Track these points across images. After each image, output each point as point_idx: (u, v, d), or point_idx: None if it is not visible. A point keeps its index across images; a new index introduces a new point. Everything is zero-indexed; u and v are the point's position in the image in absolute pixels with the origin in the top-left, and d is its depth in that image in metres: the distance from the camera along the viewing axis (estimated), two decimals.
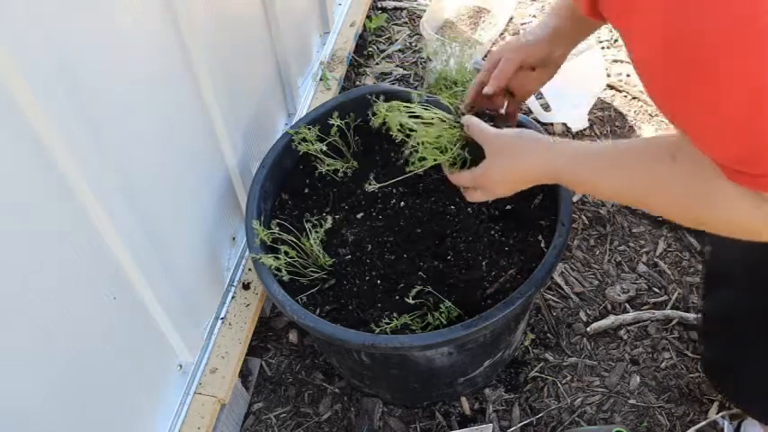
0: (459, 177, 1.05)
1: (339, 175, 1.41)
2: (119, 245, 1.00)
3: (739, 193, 0.66)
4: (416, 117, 1.08)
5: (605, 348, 1.51)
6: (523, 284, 1.11)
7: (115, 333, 1.06)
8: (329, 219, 1.29)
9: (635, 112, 1.97)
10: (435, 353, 1.20)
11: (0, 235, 0.79)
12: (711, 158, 0.66)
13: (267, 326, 1.59)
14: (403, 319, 1.16)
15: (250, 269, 1.46)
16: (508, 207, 1.32)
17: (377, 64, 2.20)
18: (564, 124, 1.92)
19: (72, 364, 0.96)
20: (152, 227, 1.10)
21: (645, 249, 1.66)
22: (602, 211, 1.73)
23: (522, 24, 2.27)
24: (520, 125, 1.31)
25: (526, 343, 1.51)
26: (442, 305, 1.17)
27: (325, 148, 1.40)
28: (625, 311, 1.55)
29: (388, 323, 1.15)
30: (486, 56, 2.16)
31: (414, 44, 2.26)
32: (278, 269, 1.20)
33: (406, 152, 1.08)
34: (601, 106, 1.98)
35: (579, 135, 1.91)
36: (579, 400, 1.43)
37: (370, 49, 2.25)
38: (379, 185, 1.27)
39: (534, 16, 2.30)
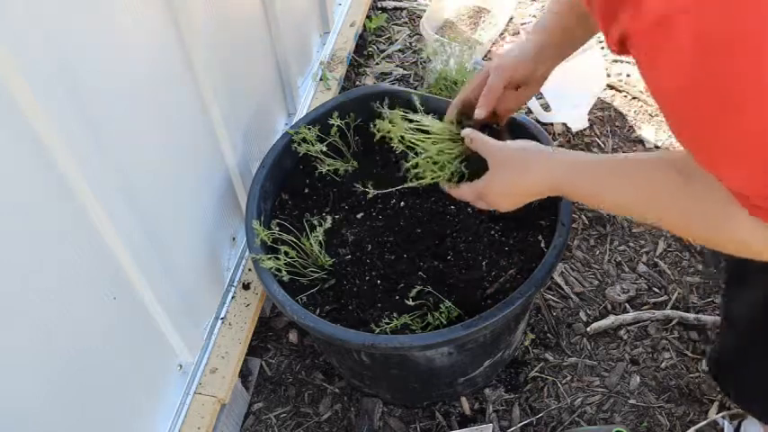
0: (461, 192, 1.05)
1: (339, 175, 1.41)
2: (119, 245, 1.00)
3: (753, 223, 0.66)
4: (418, 129, 1.09)
5: (605, 348, 1.51)
6: (523, 284, 1.11)
7: (115, 333, 1.06)
8: (329, 219, 1.29)
9: (635, 112, 1.97)
10: (435, 353, 1.20)
11: (0, 235, 0.79)
12: (729, 190, 0.66)
13: (267, 326, 1.59)
14: (403, 319, 1.16)
15: (250, 269, 1.46)
16: None
17: (377, 64, 2.20)
18: (564, 124, 1.92)
19: (72, 364, 0.96)
20: (152, 227, 1.10)
21: (645, 249, 1.66)
22: (602, 211, 1.73)
23: (522, 24, 2.27)
24: (520, 125, 1.32)
25: (526, 343, 1.51)
26: (442, 305, 1.17)
27: (325, 148, 1.40)
28: (625, 311, 1.55)
29: (388, 323, 1.15)
30: (486, 56, 2.16)
31: (414, 44, 2.26)
32: (278, 269, 1.20)
33: (406, 165, 1.10)
34: (601, 106, 1.98)
35: (579, 135, 1.91)
36: (579, 400, 1.43)
37: (370, 49, 2.25)
38: (376, 192, 1.27)
39: (534, 16, 2.30)
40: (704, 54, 0.54)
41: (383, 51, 2.24)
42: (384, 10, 2.39)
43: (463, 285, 1.22)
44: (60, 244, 0.90)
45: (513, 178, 0.96)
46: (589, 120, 1.93)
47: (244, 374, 1.47)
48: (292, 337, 1.57)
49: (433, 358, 1.22)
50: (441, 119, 1.15)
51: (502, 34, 2.24)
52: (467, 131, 1.04)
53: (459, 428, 1.39)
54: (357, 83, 2.13)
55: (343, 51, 2.02)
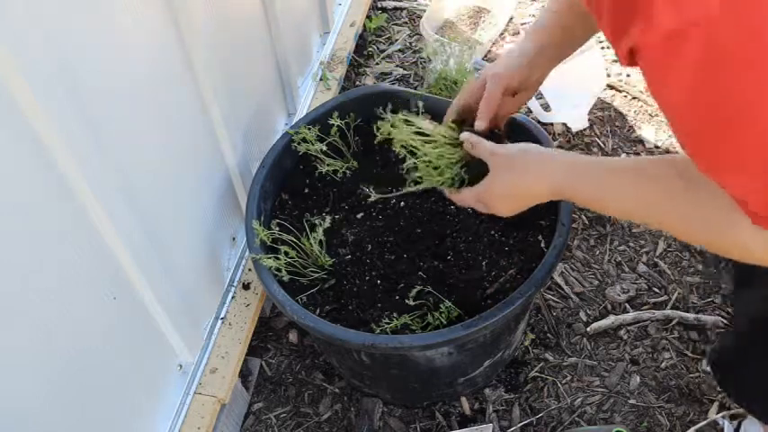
0: (461, 197, 1.05)
1: (339, 175, 1.41)
2: (119, 245, 1.00)
3: (755, 229, 0.66)
4: (420, 134, 1.09)
5: (605, 348, 1.51)
6: (523, 284, 1.11)
7: (115, 333, 1.06)
8: (329, 219, 1.29)
9: (635, 112, 1.97)
10: (435, 353, 1.20)
11: (0, 235, 0.79)
12: (732, 196, 0.66)
13: (267, 326, 1.59)
14: (403, 319, 1.16)
15: (250, 269, 1.46)
16: None
17: (377, 64, 2.20)
18: (564, 124, 1.92)
19: (72, 364, 0.96)
20: (152, 227, 1.10)
21: (645, 249, 1.66)
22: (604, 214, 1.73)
23: (522, 24, 2.27)
24: (520, 125, 1.32)
25: (526, 343, 1.51)
26: (442, 305, 1.17)
27: (324, 148, 1.40)
28: (625, 311, 1.55)
29: (388, 323, 1.15)
30: (486, 56, 2.16)
31: (414, 44, 2.26)
32: (278, 269, 1.20)
33: (406, 167, 1.10)
34: (601, 106, 1.98)
35: (579, 135, 1.91)
36: (579, 400, 1.43)
37: (370, 49, 2.25)
38: (378, 196, 1.28)
39: (533, 16, 2.30)
40: (713, 67, 0.55)
41: (383, 51, 2.24)
42: (384, 10, 2.39)
43: (463, 285, 1.22)
44: (60, 244, 0.90)
45: (513, 180, 0.96)
46: (589, 120, 1.93)
47: (244, 374, 1.47)
48: (292, 337, 1.57)
49: (433, 358, 1.22)
50: (440, 122, 1.15)
51: (502, 34, 2.24)
52: (466, 135, 1.04)
53: (459, 428, 1.39)
54: (357, 83, 2.13)
55: (343, 51, 2.02)
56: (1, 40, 0.73)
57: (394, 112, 1.13)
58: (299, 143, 1.39)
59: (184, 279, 1.25)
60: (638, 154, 1.86)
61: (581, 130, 1.92)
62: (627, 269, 1.63)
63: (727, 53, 0.53)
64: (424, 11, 2.22)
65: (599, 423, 1.39)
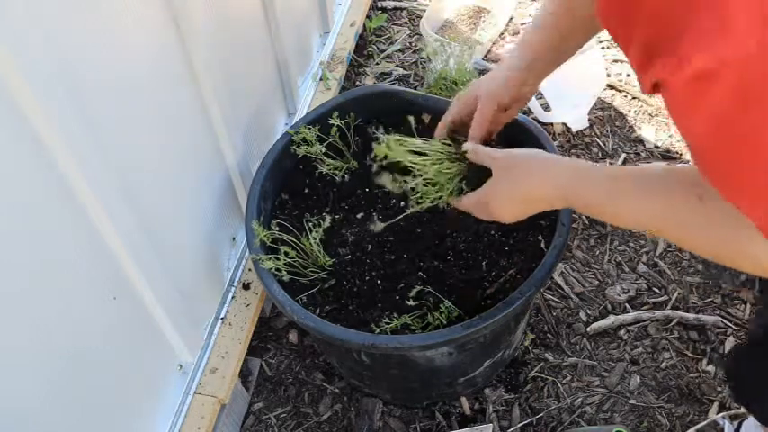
0: (463, 203, 1.05)
1: (339, 175, 1.41)
2: (119, 245, 1.00)
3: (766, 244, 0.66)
4: (417, 153, 1.10)
5: (605, 348, 1.51)
6: (523, 284, 1.11)
7: (115, 333, 1.06)
8: (329, 219, 1.29)
9: (635, 112, 1.97)
10: (435, 353, 1.20)
11: (0, 235, 0.79)
12: (747, 217, 0.65)
13: (267, 326, 1.59)
14: (403, 319, 1.16)
15: (250, 269, 1.46)
16: None
17: (377, 64, 2.20)
18: (564, 124, 1.92)
19: (72, 364, 0.96)
20: (152, 227, 1.10)
21: (645, 249, 1.66)
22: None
23: (521, 24, 2.27)
24: (520, 125, 1.32)
25: (526, 343, 1.51)
26: (441, 305, 1.17)
27: (324, 148, 1.40)
28: (625, 311, 1.55)
29: (388, 323, 1.15)
30: (486, 56, 2.16)
31: (414, 44, 2.26)
32: (278, 269, 1.20)
33: (407, 188, 1.12)
34: (601, 106, 1.98)
35: (579, 135, 1.91)
36: (579, 400, 1.43)
37: (370, 49, 2.25)
38: (384, 224, 1.29)
39: (532, 16, 2.30)
40: (744, 104, 0.54)
41: (383, 51, 2.24)
42: (384, 10, 2.39)
43: (463, 285, 1.22)
44: (60, 244, 0.90)
45: (515, 182, 0.95)
46: (589, 120, 1.93)
47: (244, 374, 1.47)
48: (292, 337, 1.57)
49: (433, 358, 1.22)
50: (439, 121, 1.16)
51: (502, 34, 2.24)
52: (468, 145, 1.05)
53: (459, 428, 1.39)
54: (357, 83, 2.13)
55: (343, 51, 2.02)
56: (1, 40, 0.73)
57: (387, 126, 1.14)
58: (298, 145, 1.38)
59: (184, 279, 1.25)
60: (638, 154, 1.86)
61: (581, 130, 1.92)
62: (627, 269, 1.63)
63: (760, 90, 0.53)
64: (424, 11, 2.22)
65: (599, 423, 1.39)
